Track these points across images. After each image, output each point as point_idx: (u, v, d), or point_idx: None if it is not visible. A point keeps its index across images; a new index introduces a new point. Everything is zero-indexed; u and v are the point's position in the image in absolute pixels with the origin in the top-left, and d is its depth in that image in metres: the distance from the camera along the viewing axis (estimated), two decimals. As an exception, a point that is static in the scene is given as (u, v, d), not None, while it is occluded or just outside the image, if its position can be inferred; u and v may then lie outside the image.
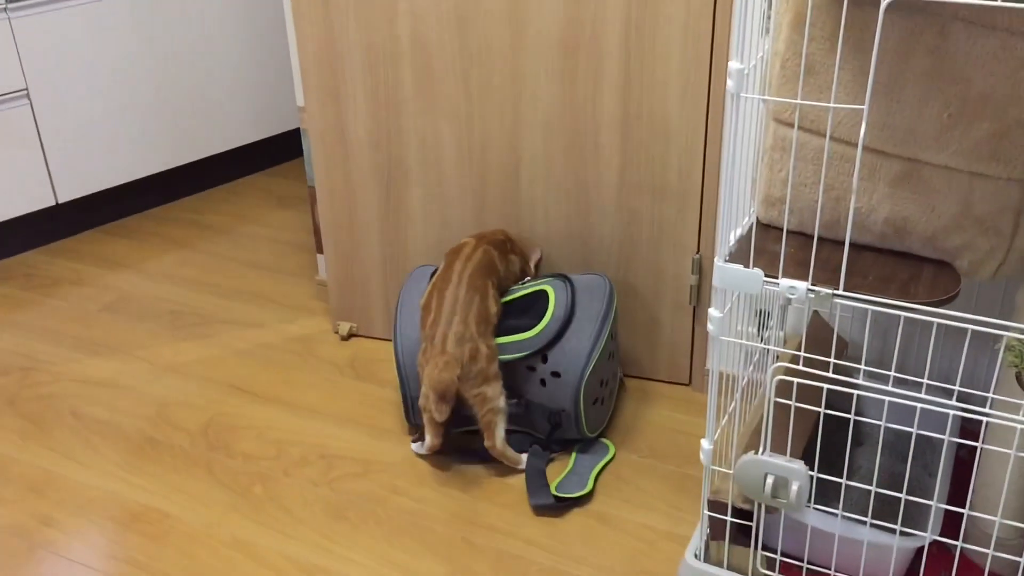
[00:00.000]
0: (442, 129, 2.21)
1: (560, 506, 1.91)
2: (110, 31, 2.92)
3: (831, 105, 1.28)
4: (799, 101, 1.31)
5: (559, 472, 2.00)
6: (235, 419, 2.21)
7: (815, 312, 1.93)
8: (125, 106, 3.02)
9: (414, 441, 2.05)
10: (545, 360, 1.97)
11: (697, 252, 2.12)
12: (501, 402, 1.88)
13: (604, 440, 2.08)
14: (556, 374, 1.97)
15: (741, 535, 1.65)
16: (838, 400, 1.61)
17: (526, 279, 2.13)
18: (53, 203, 2.94)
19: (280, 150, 3.56)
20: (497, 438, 1.90)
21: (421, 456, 2.03)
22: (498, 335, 1.95)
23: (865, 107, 1.22)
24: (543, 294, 2.03)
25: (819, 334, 1.87)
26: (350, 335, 2.54)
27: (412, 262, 2.38)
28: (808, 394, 1.50)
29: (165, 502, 1.97)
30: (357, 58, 2.20)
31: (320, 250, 2.61)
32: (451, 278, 1.86)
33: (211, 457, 2.09)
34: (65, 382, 2.36)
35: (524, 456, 1.97)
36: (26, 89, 2.78)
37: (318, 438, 2.14)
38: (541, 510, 1.91)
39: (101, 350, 2.49)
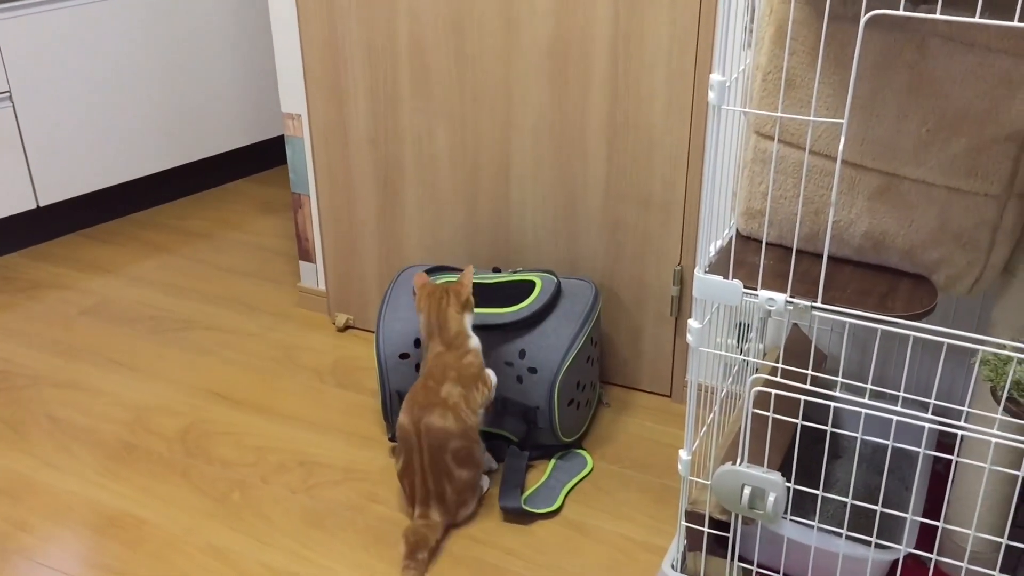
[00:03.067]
0: (437, 129, 2.23)
1: (527, 514, 1.91)
2: (95, 35, 2.91)
3: (811, 119, 1.29)
4: (779, 114, 1.32)
5: (534, 481, 2.00)
6: (214, 425, 2.20)
7: (794, 325, 1.94)
8: (108, 110, 3.01)
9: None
10: (523, 356, 1.99)
11: (679, 263, 2.13)
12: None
13: (582, 452, 2.08)
14: (533, 370, 1.99)
15: (718, 546, 1.65)
16: (816, 413, 1.62)
17: (517, 269, 2.15)
18: (34, 206, 2.93)
19: (264, 156, 3.55)
20: None
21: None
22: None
23: (844, 121, 1.23)
24: (531, 284, 2.08)
25: (798, 347, 1.88)
26: (346, 327, 2.55)
27: (407, 258, 2.40)
28: (786, 406, 1.50)
29: (141, 508, 1.96)
30: (358, 56, 2.24)
31: (303, 257, 2.61)
32: (441, 378, 1.86)
33: (189, 463, 2.08)
34: (42, 386, 2.35)
35: (485, 483, 1.97)
36: (9, 91, 2.77)
37: (297, 445, 2.13)
38: (509, 513, 1.92)
39: (80, 354, 2.47)
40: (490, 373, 1.92)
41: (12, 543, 1.87)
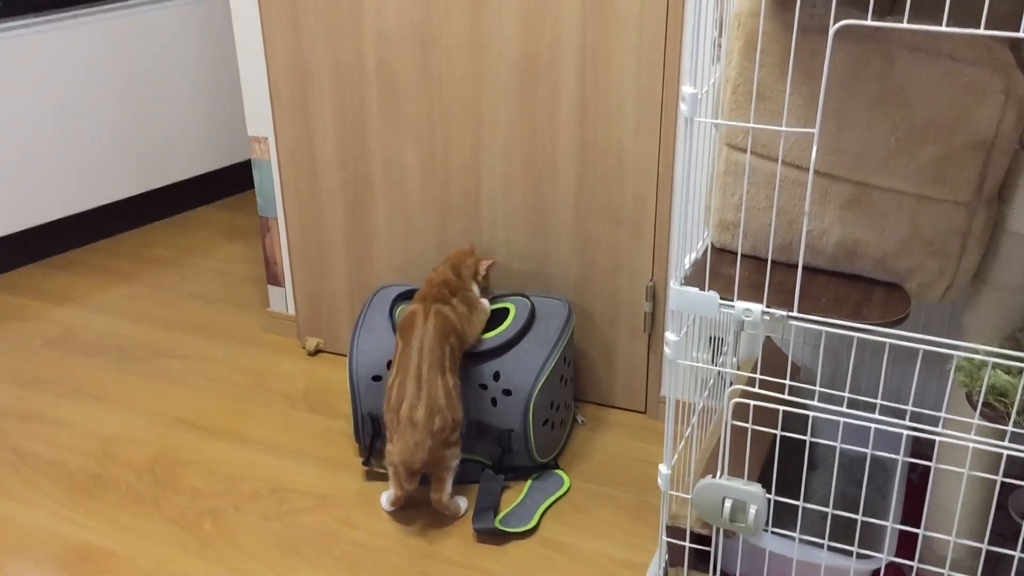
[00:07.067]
0: (406, 149, 2.22)
1: (502, 534, 1.90)
2: (54, 60, 2.88)
3: (782, 128, 1.30)
4: (752, 125, 1.33)
5: (510, 502, 1.98)
6: (184, 454, 2.16)
7: (767, 338, 1.95)
8: (70, 136, 2.98)
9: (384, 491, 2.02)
10: (497, 378, 1.98)
11: (651, 279, 2.13)
12: (455, 463, 1.92)
13: (559, 472, 2.07)
14: (507, 392, 1.98)
15: (699, 561, 1.64)
16: (792, 425, 1.62)
17: (492, 296, 2.14)
18: (-6, 236, 2.88)
19: (229, 182, 3.52)
20: (445, 493, 1.92)
21: (388, 512, 1.99)
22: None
23: (816, 130, 1.23)
24: (506, 311, 2.09)
25: (772, 360, 1.88)
26: (317, 351, 2.52)
27: (377, 279, 2.38)
28: (764, 418, 1.50)
29: (111, 541, 1.91)
30: (325, 77, 2.23)
31: (272, 281, 2.58)
32: (411, 356, 1.88)
33: (158, 493, 2.04)
34: (6, 419, 2.29)
35: (462, 504, 1.97)
36: (-32, 120, 2.73)
37: (270, 472, 2.10)
38: (482, 535, 1.90)
39: (44, 385, 2.42)
40: (484, 302, 2.08)
41: (-23, 580, 1.82)
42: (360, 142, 2.27)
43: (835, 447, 1.88)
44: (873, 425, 1.37)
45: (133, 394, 2.39)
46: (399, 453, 1.85)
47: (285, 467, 2.11)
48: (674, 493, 1.58)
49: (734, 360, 1.94)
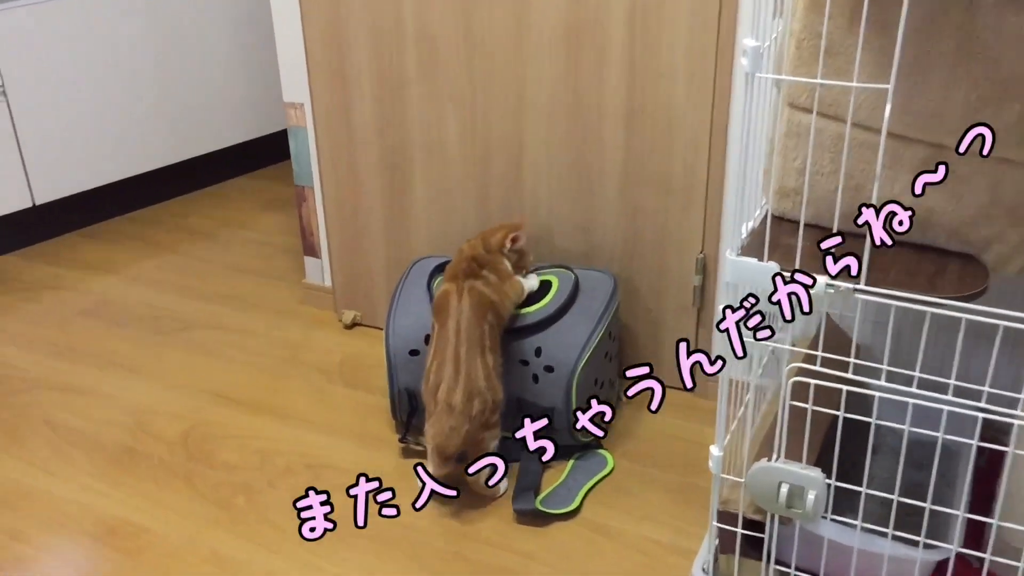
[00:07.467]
0: (446, 115, 2.14)
1: (543, 516, 1.83)
2: (91, 26, 2.83)
3: (854, 84, 1.20)
4: (819, 80, 1.23)
5: (551, 482, 1.91)
6: (217, 428, 2.11)
7: (826, 316, 1.84)
8: (107, 105, 2.93)
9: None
10: (539, 354, 1.90)
11: (701, 251, 2.03)
12: (495, 444, 1.85)
13: (603, 452, 1.99)
14: (549, 368, 1.90)
15: (751, 548, 1.56)
16: (851, 406, 1.52)
17: (531, 270, 2.04)
18: (30, 205, 2.85)
19: (266, 152, 3.47)
20: (483, 473, 1.85)
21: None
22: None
23: (890, 86, 1.13)
24: (548, 284, 2.01)
25: (832, 338, 1.78)
26: (353, 324, 2.46)
27: (416, 251, 2.31)
28: (823, 398, 1.41)
29: (142, 515, 1.87)
30: (363, 41, 2.15)
31: (308, 252, 2.52)
32: (448, 338, 1.81)
33: (191, 468, 1.99)
34: (40, 390, 2.26)
35: (502, 484, 1.89)
36: (2, 86, 2.70)
37: (304, 447, 2.05)
38: (522, 516, 1.83)
39: (78, 356, 2.39)
40: (522, 280, 1.96)
41: (7, 553, 1.78)
42: (399, 108, 2.18)
43: (895, 430, 1.78)
44: (946, 408, 1.26)
45: (167, 366, 2.34)
46: (434, 437, 1.78)
47: (320, 442, 2.06)
48: (726, 476, 1.50)
49: (788, 338, 1.83)
